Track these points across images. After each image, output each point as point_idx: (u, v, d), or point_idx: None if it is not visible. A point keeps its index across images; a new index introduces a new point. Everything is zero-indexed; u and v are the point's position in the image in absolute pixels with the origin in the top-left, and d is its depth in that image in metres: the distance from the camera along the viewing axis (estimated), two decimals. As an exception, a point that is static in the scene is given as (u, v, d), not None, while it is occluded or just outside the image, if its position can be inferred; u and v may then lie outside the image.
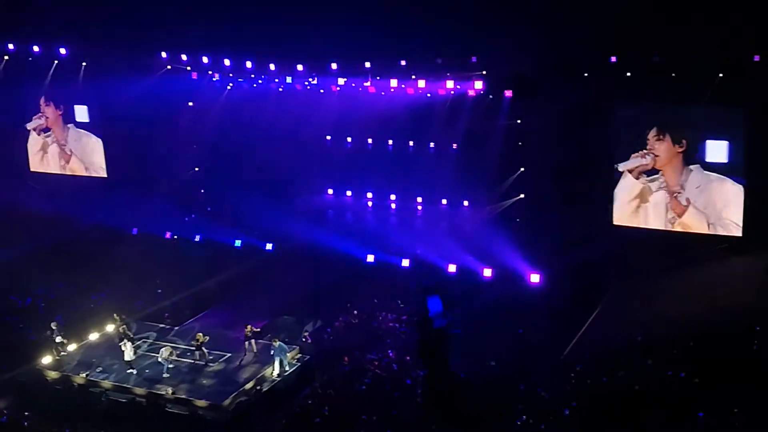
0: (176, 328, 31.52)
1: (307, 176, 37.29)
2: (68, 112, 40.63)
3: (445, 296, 23.40)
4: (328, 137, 36.61)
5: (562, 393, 24.66)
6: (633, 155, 30.73)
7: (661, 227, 30.90)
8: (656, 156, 30.42)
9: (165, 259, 36.63)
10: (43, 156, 41.72)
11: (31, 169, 42.07)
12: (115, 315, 30.56)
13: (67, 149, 41.07)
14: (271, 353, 27.92)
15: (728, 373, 24.52)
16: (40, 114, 41.04)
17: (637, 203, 31.17)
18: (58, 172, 41.55)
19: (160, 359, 28.09)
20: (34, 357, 29.07)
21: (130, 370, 28.20)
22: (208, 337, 28.86)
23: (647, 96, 29.79)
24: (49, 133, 41.28)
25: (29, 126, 41.45)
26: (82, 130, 40.57)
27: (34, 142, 41.71)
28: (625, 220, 31.37)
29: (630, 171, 30.94)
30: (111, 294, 33.85)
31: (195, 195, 39.04)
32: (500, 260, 32.19)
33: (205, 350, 28.73)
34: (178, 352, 28.89)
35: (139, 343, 29.67)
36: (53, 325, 29.38)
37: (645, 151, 30.48)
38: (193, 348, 28.88)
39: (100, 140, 40.31)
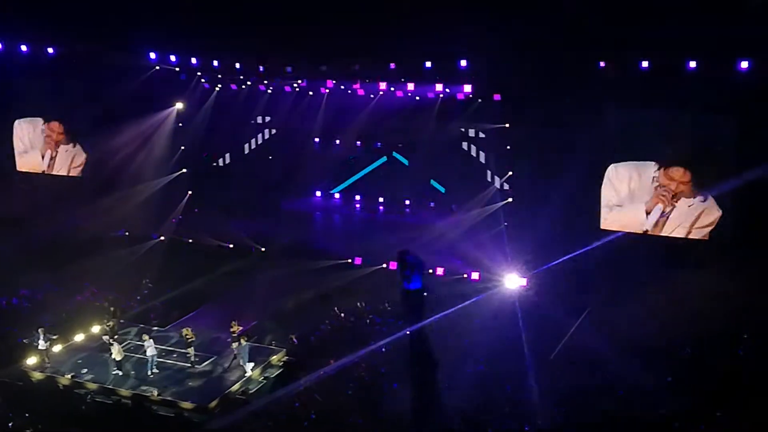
0: (162, 329, 31.44)
1: (295, 178, 37.25)
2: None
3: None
4: (317, 139, 36.59)
5: (547, 397, 24.72)
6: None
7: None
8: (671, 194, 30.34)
9: (152, 260, 36.52)
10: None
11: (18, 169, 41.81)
12: (112, 308, 30.48)
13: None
14: (236, 354, 28.12)
15: (714, 378, 24.70)
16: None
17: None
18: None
19: (146, 348, 28.03)
20: (19, 358, 28.92)
21: (116, 371, 28.07)
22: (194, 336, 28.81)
23: (636, 100, 29.87)
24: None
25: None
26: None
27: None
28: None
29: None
30: (97, 295, 33.73)
31: (182, 196, 38.90)
32: (488, 263, 32.23)
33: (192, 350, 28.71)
34: (161, 353, 28.81)
35: (125, 344, 29.62)
36: (40, 331, 29.11)
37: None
38: (186, 344, 28.73)
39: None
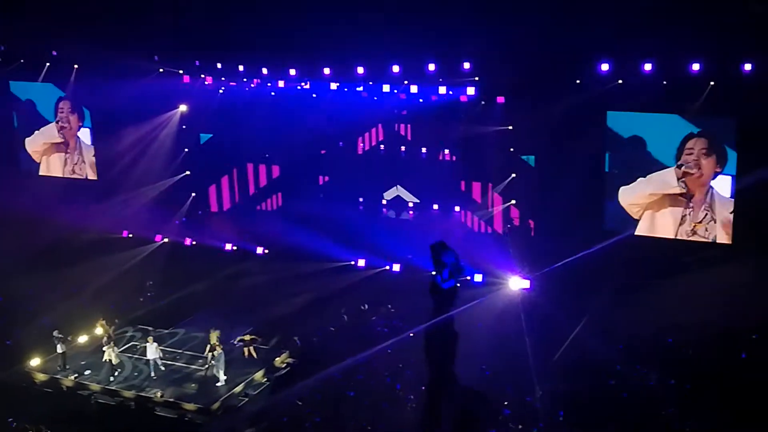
0: (165, 331, 31.47)
1: (298, 180, 37.29)
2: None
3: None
4: (320, 141, 36.61)
5: (551, 399, 24.72)
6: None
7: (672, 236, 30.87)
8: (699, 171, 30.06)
9: (155, 262, 36.54)
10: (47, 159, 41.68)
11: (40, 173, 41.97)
12: (101, 321, 30.44)
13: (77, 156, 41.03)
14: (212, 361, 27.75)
15: (720, 380, 24.69)
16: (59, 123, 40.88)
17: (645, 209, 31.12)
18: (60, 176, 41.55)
19: (149, 355, 27.97)
20: (22, 359, 28.94)
21: (117, 373, 27.99)
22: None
23: (639, 104, 29.89)
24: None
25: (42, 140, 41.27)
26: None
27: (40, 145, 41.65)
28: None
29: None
30: (100, 296, 33.74)
31: (186, 198, 38.95)
32: (491, 265, 32.19)
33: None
34: (162, 354, 28.71)
35: (126, 344, 29.66)
36: (56, 334, 29.07)
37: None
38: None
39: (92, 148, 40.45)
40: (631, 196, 31.15)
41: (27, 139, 41.73)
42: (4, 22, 36.69)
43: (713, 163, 29.72)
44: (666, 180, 30.44)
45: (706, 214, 30.07)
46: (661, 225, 30.87)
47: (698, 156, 29.81)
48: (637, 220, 31.18)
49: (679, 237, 30.52)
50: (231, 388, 27.19)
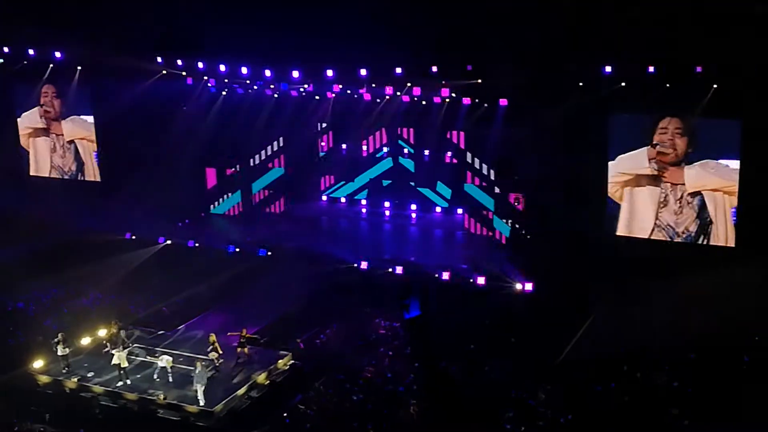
0: (168, 332, 31.44)
1: (301, 182, 37.35)
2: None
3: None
4: (323, 144, 36.68)
5: (552, 402, 24.70)
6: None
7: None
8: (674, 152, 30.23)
9: (159, 263, 36.55)
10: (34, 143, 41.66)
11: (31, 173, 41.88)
12: (113, 322, 30.37)
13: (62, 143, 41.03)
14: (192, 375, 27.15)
15: (723, 382, 24.67)
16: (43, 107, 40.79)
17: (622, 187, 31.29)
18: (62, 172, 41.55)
19: (159, 366, 27.89)
20: (25, 361, 28.93)
21: (124, 380, 27.81)
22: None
23: (642, 106, 29.87)
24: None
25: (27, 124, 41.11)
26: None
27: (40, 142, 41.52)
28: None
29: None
30: (104, 298, 33.78)
31: (189, 200, 38.99)
32: (494, 268, 32.22)
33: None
34: (175, 360, 28.64)
35: (131, 348, 29.59)
36: (60, 336, 28.97)
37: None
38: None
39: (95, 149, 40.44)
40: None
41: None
42: (7, 24, 36.80)
43: (685, 144, 29.92)
44: (638, 160, 30.66)
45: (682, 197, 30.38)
46: (642, 208, 31.08)
47: (672, 135, 30.02)
48: (619, 204, 31.35)
49: (659, 221, 30.82)
50: (234, 390, 27.13)
